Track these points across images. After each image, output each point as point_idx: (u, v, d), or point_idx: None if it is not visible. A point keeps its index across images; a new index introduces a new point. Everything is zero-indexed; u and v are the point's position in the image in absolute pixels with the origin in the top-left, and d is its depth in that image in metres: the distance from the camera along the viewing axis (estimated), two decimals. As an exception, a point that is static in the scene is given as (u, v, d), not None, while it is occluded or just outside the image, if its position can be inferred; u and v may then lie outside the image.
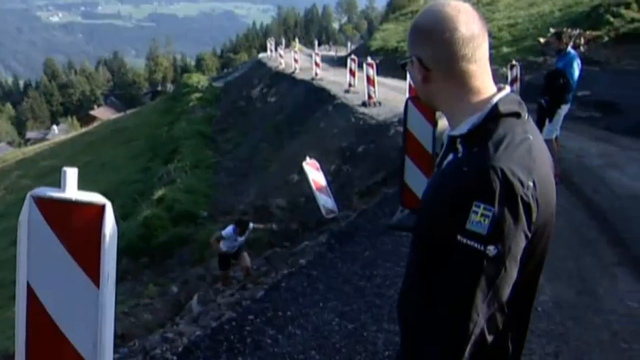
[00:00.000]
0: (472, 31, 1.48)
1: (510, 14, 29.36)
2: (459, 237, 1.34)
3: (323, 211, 9.36)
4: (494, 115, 1.45)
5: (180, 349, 4.17)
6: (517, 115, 1.47)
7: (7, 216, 23.75)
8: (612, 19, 19.92)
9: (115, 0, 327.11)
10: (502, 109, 1.45)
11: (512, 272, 1.37)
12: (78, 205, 1.88)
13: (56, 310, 1.92)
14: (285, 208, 12.42)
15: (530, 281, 1.49)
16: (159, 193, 16.73)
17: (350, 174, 11.55)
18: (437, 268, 1.39)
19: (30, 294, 1.92)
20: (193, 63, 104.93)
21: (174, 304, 8.97)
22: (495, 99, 1.47)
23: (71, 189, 1.89)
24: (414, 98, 6.39)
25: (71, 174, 1.90)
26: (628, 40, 17.95)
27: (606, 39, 18.76)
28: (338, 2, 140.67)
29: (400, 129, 11.93)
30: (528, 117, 1.50)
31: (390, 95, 16.78)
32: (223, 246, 8.61)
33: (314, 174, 8.79)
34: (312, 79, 22.66)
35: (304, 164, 8.64)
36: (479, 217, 1.32)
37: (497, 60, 19.47)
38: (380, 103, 15.35)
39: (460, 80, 1.50)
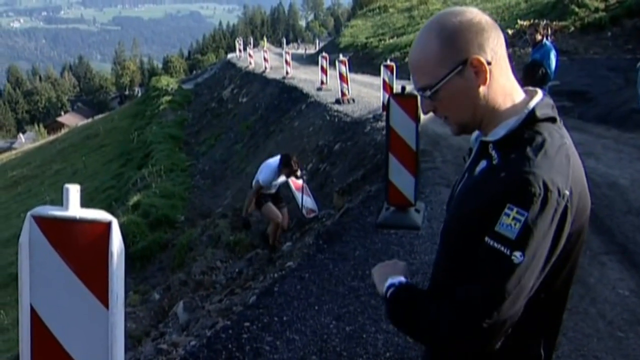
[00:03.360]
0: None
1: (477, 6, 29.57)
2: (487, 239, 1.33)
3: (304, 211, 9.33)
4: (532, 120, 1.42)
5: (177, 360, 4.11)
6: (553, 120, 1.44)
7: (-23, 229, 23.26)
8: (577, 9, 20.25)
9: (77, 4, 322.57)
10: (539, 113, 1.43)
11: (530, 282, 1.35)
12: (82, 223, 1.81)
13: (63, 333, 1.85)
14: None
15: (563, 288, 1.48)
16: (135, 199, 16.54)
17: (329, 172, 11.52)
18: (464, 268, 1.38)
19: (35, 318, 1.86)
20: (160, 66, 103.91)
21: (156, 311, 8.87)
22: (532, 104, 1.44)
23: (74, 206, 1.82)
24: (395, 95, 6.39)
25: (73, 191, 1.83)
26: (593, 29, 18.26)
27: (572, 29, 19.04)
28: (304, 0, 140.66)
29: (376, 125, 12.01)
30: (562, 121, 1.47)
31: (363, 91, 16.82)
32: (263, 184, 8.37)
33: (293, 174, 8.75)
34: (283, 77, 22.61)
35: None
36: (510, 220, 1.30)
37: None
38: (354, 100, 15.36)
39: (500, 80, 1.47)
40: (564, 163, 1.38)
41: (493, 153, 1.43)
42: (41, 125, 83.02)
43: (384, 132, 7.08)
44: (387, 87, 13.16)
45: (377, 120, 12.27)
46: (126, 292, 10.95)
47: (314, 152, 13.06)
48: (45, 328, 1.85)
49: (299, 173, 8.53)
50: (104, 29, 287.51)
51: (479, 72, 1.43)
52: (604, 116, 11.75)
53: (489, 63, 1.43)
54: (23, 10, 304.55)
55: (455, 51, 1.44)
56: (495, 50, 1.44)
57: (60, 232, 1.83)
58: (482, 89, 1.45)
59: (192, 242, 12.05)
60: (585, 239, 1.47)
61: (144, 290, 10.82)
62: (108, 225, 1.82)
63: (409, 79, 11.63)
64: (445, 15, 1.47)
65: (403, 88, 6.31)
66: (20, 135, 79.03)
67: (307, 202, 9.29)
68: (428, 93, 1.49)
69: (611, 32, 18.40)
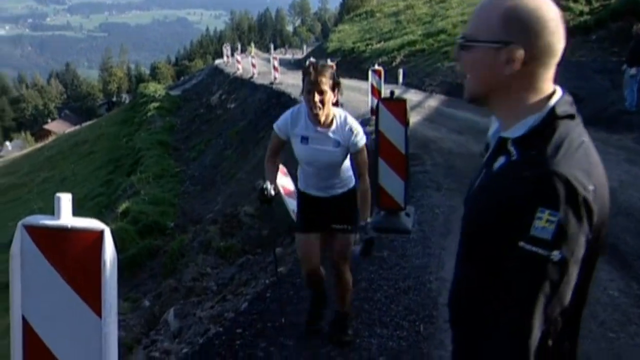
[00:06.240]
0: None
1: (463, 10, 29.75)
2: (521, 243, 1.33)
3: (293, 216, 9.30)
4: (552, 118, 1.43)
5: (169, 368, 4.09)
6: (572, 117, 1.45)
7: (-35, 238, 23.04)
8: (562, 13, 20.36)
9: (63, 11, 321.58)
10: (559, 111, 1.43)
11: (574, 275, 1.36)
12: (74, 232, 1.81)
13: (56, 343, 1.84)
14: (255, 215, 12.33)
15: (584, 285, 1.49)
16: (124, 206, 16.46)
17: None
18: (496, 272, 1.38)
19: (27, 328, 1.85)
20: (148, 72, 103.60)
21: (147, 318, 8.81)
22: (552, 101, 1.45)
23: (66, 215, 1.81)
24: (384, 100, 6.40)
25: (65, 200, 1.83)
26: (579, 32, 18.38)
27: (558, 32, 19.13)
28: (291, 5, 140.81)
29: (365, 129, 12.01)
30: (580, 118, 1.48)
31: (351, 96, 16.82)
32: None
33: (282, 179, 8.72)
34: (271, 83, 22.60)
35: None
36: (544, 223, 1.31)
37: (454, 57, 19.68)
38: (342, 104, 15.35)
39: (535, 77, 1.46)
40: (584, 160, 1.39)
41: (512, 149, 1.44)
42: (28, 133, 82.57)
43: (372, 136, 7.10)
44: (375, 91, 13.20)
45: (365, 125, 12.28)
46: (117, 300, 10.94)
47: (304, 157, 13.05)
48: (38, 338, 1.84)
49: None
50: (90, 35, 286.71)
51: (510, 62, 1.43)
52: (592, 118, 11.83)
53: (526, 62, 1.43)
54: (8, 17, 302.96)
55: (508, 30, 1.43)
56: (546, 52, 1.44)
57: (52, 242, 1.82)
58: (506, 77, 1.45)
59: (182, 248, 11.99)
60: (606, 237, 1.48)
61: (134, 297, 10.75)
62: (101, 233, 1.82)
63: (396, 84, 11.70)
64: None
65: (392, 92, 6.34)
66: (7, 143, 78.50)
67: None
68: (462, 41, 1.50)
69: (596, 35, 18.55)
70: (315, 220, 4.04)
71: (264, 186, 3.72)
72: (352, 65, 28.49)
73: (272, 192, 3.72)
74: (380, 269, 5.15)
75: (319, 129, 3.85)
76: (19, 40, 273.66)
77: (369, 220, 3.83)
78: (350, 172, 4.09)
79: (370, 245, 3.79)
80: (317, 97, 3.69)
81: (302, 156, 3.96)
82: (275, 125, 4.02)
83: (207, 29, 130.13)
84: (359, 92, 16.87)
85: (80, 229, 1.81)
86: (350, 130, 3.84)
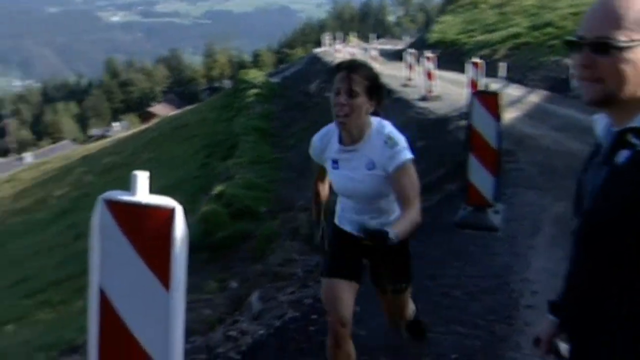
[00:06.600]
0: None
1: (573, 2, 28.50)
2: None
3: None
4: None
5: (244, 348, 4.18)
6: None
7: (71, 211, 24.45)
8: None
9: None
10: None
11: None
12: (148, 208, 1.88)
13: (127, 312, 1.92)
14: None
15: None
16: (218, 189, 16.90)
17: (410, 169, 11.41)
18: (623, 265, 1.37)
19: (103, 296, 1.93)
20: (249, 59, 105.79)
21: (233, 299, 9.03)
22: None
23: (142, 192, 1.89)
24: (478, 93, 6.26)
25: (142, 177, 1.90)
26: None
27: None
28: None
29: (461, 123, 11.78)
30: None
31: (450, 89, 16.55)
32: None
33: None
34: (369, 73, 22.48)
35: None
36: None
37: (562, 51, 18.97)
38: (440, 97, 15.15)
39: None
40: None
41: (634, 140, 1.39)
42: (134, 115, 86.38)
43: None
44: (473, 85, 12.92)
45: (462, 119, 12.05)
46: (205, 279, 11.26)
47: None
48: (112, 307, 1.93)
49: None
50: (196, 22, 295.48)
51: None
52: None
53: None
54: (122, 4, 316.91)
55: None
56: None
57: (128, 216, 1.90)
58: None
59: (272, 234, 12.20)
60: None
61: (222, 278, 11.06)
62: (172, 211, 1.87)
63: (496, 77, 11.31)
64: None
65: (486, 85, 6.18)
66: (115, 123, 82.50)
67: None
68: (620, 42, 1.39)
69: None
70: (346, 265, 3.08)
71: (315, 232, 2.97)
72: (454, 57, 27.95)
73: (321, 236, 2.96)
74: (465, 265, 5.05)
75: (347, 147, 2.95)
76: (130, 27, 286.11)
77: (395, 231, 2.58)
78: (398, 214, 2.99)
79: (418, 326, 3.35)
80: (343, 99, 2.82)
81: (336, 186, 3.12)
82: (310, 150, 3.27)
83: (309, 18, 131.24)
84: (459, 86, 16.57)
85: (154, 206, 1.87)
86: (385, 142, 2.86)
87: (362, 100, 2.81)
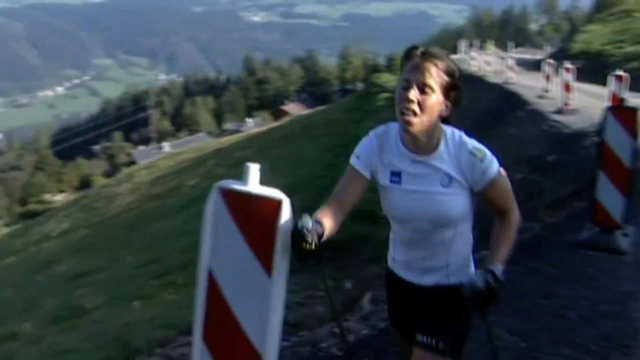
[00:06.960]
0: None
1: None
2: None
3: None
4: None
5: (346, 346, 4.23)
6: None
7: (201, 200, 25.52)
8: None
9: (312, 1, 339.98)
10: None
11: None
12: (258, 198, 1.99)
13: (232, 295, 2.04)
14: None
15: None
16: (341, 189, 17.05)
17: (539, 184, 11.00)
18: None
19: (211, 278, 2.06)
20: (384, 63, 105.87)
21: (346, 299, 9.13)
22: None
23: (253, 183, 2.00)
24: (614, 107, 5.94)
25: (254, 169, 2.02)
26: None
27: None
28: (538, 2, 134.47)
29: (596, 139, 11.20)
30: None
31: (589, 102, 15.75)
32: None
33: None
34: (504, 82, 21.91)
35: None
36: None
37: None
38: (577, 111, 14.48)
39: None
40: None
41: None
42: (267, 112, 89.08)
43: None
44: (614, 99, 12.22)
45: (597, 134, 11.46)
46: (319, 276, 11.46)
47: (526, 162, 12.54)
48: (218, 289, 2.06)
49: None
50: (334, 24, 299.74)
51: None
52: None
53: None
54: (264, 5, 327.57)
55: None
56: None
57: (239, 204, 2.02)
58: None
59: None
60: None
61: (338, 278, 11.19)
62: (279, 203, 1.97)
63: (641, 92, 10.46)
64: None
65: (622, 100, 5.87)
66: (249, 119, 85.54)
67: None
68: None
69: None
70: (401, 315, 2.60)
71: (299, 226, 1.94)
72: (598, 69, 26.50)
73: (313, 238, 1.96)
74: (582, 287, 4.83)
75: (416, 156, 2.34)
76: (270, 27, 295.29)
77: (500, 268, 2.16)
78: (471, 255, 2.46)
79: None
80: (413, 94, 2.29)
81: (392, 207, 2.45)
82: (354, 155, 2.47)
83: (447, 24, 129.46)
84: (600, 100, 15.76)
85: (262, 196, 1.99)
86: (473, 154, 2.30)
87: (438, 100, 2.28)
